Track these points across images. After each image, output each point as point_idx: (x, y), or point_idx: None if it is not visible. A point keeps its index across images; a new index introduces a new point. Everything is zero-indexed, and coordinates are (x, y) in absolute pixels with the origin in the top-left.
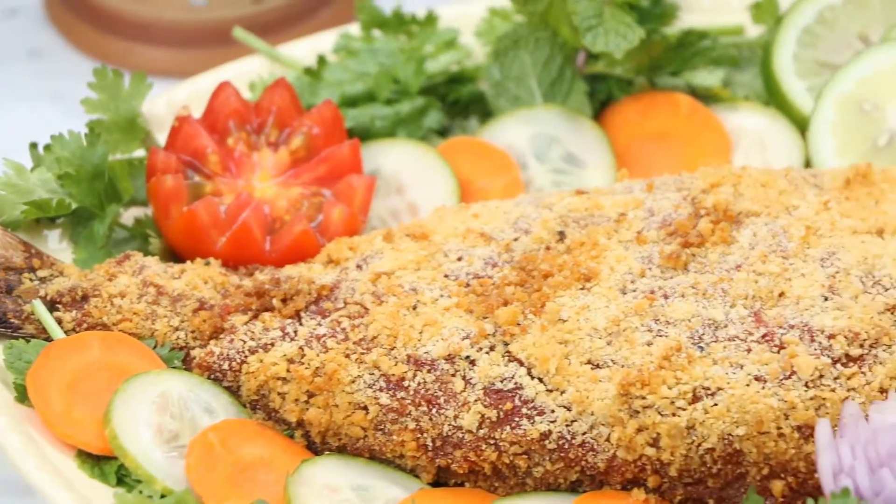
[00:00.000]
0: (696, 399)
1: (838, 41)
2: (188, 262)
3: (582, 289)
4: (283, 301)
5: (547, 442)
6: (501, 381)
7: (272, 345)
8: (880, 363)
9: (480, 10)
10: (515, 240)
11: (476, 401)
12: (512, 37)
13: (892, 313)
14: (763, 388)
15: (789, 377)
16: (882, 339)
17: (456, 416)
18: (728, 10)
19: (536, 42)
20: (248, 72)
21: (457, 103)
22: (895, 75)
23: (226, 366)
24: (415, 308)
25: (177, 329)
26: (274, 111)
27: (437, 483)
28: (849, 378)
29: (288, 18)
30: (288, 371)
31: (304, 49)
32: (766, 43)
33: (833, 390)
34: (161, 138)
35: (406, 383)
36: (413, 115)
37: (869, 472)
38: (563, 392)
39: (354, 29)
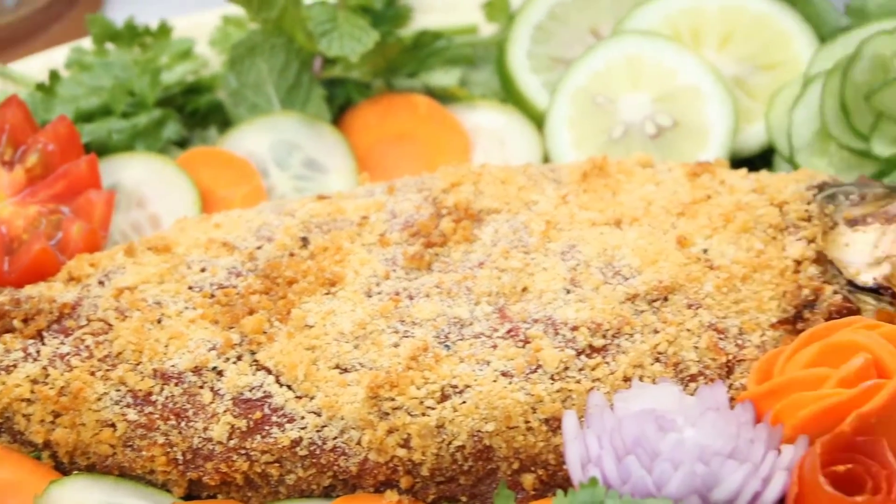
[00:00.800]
0: (444, 398)
1: (570, 36)
2: None
3: (327, 294)
4: (24, 321)
5: (298, 449)
6: (250, 391)
7: (14, 366)
8: (623, 352)
9: (214, 19)
10: (259, 248)
11: (225, 411)
12: (247, 44)
13: (632, 302)
14: (510, 383)
15: (535, 371)
16: (624, 328)
17: (205, 428)
18: (461, 10)
19: (272, 49)
20: None
21: (195, 113)
22: (625, 68)
23: None
24: (159, 321)
25: None
26: (7, 129)
27: (189, 497)
28: (593, 369)
29: (17, 35)
30: (32, 392)
31: (36, 65)
32: (500, 41)
33: (578, 381)
34: None
35: (153, 398)
36: (150, 127)
37: (615, 461)
38: (312, 398)
39: (87, 43)
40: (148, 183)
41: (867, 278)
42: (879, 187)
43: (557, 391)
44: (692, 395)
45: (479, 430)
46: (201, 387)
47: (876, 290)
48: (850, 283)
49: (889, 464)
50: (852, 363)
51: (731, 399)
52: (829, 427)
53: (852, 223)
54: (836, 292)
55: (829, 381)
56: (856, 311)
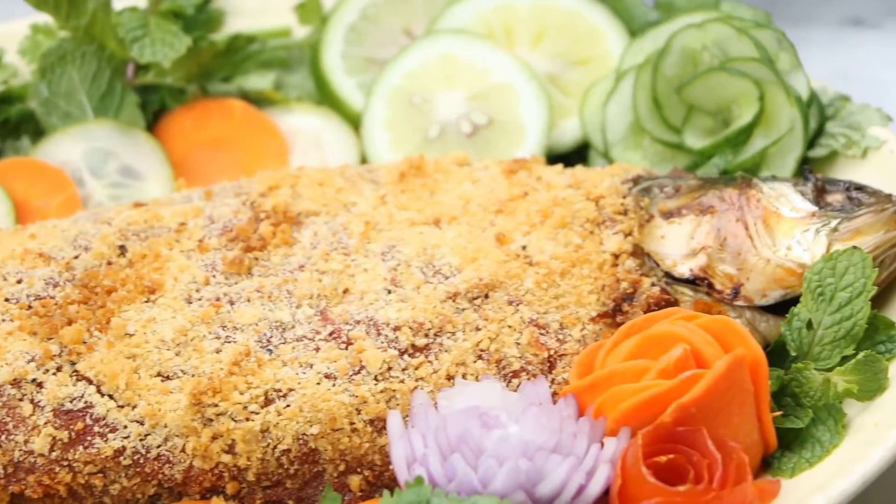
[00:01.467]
0: (268, 402)
1: (384, 37)
2: None
3: (147, 301)
4: None
5: (122, 458)
6: (71, 402)
7: None
8: (446, 351)
9: (23, 27)
10: (76, 258)
11: (46, 423)
12: (57, 53)
13: (453, 301)
14: (334, 385)
15: (359, 372)
16: (445, 326)
17: (26, 441)
18: (274, 13)
19: (83, 56)
20: None
21: (6, 124)
22: (439, 67)
23: None
24: None
25: None
26: None
27: None
28: (416, 368)
29: None
30: None
31: None
32: (314, 43)
33: (402, 381)
34: None
35: None
36: None
37: (441, 459)
38: (134, 407)
39: None
40: None
41: (683, 269)
42: (693, 179)
43: (381, 391)
44: (515, 391)
45: (303, 434)
46: (21, 399)
47: (692, 281)
48: (668, 274)
49: (710, 452)
50: (671, 354)
51: (554, 394)
52: (650, 418)
53: (667, 215)
54: (653, 284)
55: (648, 373)
56: (674, 303)
